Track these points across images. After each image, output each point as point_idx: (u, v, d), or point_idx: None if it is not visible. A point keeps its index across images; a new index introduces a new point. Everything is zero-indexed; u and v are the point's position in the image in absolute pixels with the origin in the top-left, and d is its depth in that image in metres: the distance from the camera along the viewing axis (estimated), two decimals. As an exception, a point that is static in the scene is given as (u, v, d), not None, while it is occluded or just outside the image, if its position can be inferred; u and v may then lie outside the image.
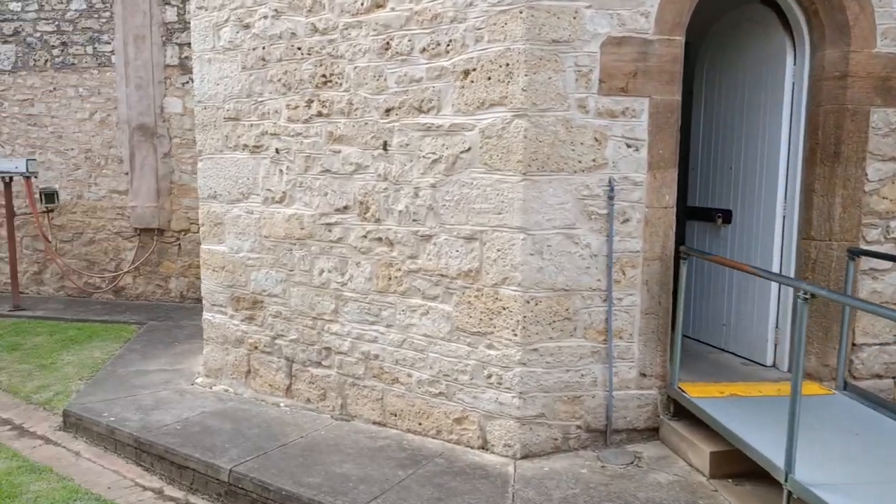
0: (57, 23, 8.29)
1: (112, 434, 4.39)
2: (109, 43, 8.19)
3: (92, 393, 5.08)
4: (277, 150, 4.64)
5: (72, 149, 8.47)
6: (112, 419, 4.51)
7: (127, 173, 8.35)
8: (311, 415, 4.58)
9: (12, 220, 7.89)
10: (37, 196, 8.11)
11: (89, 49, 8.25)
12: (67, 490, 3.75)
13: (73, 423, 4.69)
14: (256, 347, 4.96)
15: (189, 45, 7.91)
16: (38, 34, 8.36)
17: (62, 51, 8.32)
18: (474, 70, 3.66)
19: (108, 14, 8.14)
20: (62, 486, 3.79)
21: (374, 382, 4.32)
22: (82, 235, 8.58)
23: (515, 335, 3.64)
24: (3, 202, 8.60)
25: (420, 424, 4.10)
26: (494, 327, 3.72)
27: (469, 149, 3.72)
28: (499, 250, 3.66)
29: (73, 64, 8.32)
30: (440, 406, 4.00)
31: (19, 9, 8.36)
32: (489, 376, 3.77)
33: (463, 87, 3.72)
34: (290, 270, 4.67)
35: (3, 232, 8.74)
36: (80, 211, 8.54)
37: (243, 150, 4.85)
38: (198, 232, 8.33)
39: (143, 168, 8.26)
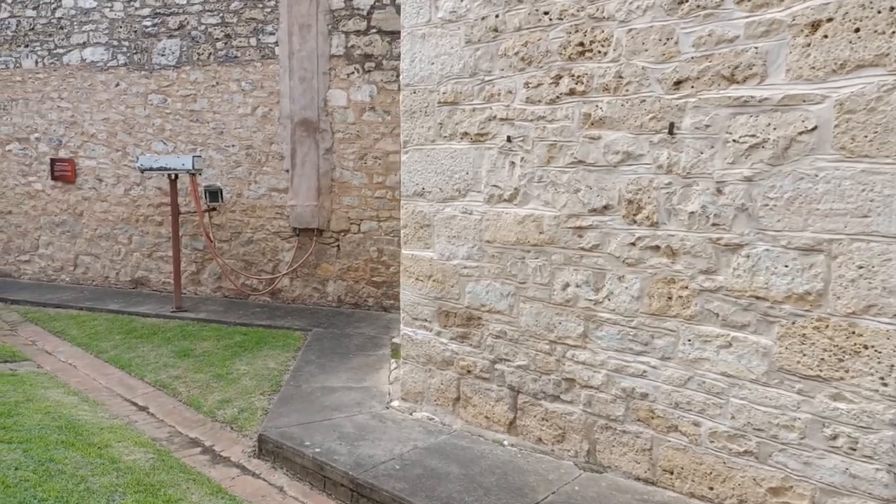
0: (221, 14, 8.03)
1: (321, 470, 3.77)
2: (273, 34, 7.82)
3: (283, 414, 4.53)
4: (509, 139, 3.86)
5: (232, 145, 8.19)
6: (317, 450, 3.89)
7: (287, 171, 7.96)
8: (548, 460, 3.76)
9: (177, 219, 7.68)
10: (200, 193, 7.87)
11: (252, 41, 7.93)
12: (289, 545, 3.13)
13: (271, 451, 4.13)
14: (469, 371, 4.22)
15: (356, 33, 7.40)
16: (202, 27, 8.14)
17: (225, 43, 8.06)
18: (829, 20, 2.69)
19: (272, 3, 7.78)
20: (282, 539, 3.18)
21: (638, 428, 3.44)
22: (240, 235, 8.30)
23: (885, 385, 2.63)
24: (168, 200, 8.48)
25: (712, 489, 3.18)
26: (846, 372, 2.73)
27: (814, 128, 2.76)
28: (861, 267, 2.67)
29: (235, 57, 8.03)
30: (746, 468, 3.05)
31: (185, 1, 8.17)
32: (834, 437, 2.78)
33: (808, 44, 2.75)
34: (521, 283, 3.88)
35: (163, 230, 8.64)
36: (239, 210, 8.26)
37: (462, 139, 4.12)
38: (357, 233, 7.84)
39: (304, 165, 7.83)
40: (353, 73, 7.55)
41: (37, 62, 9.07)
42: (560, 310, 3.70)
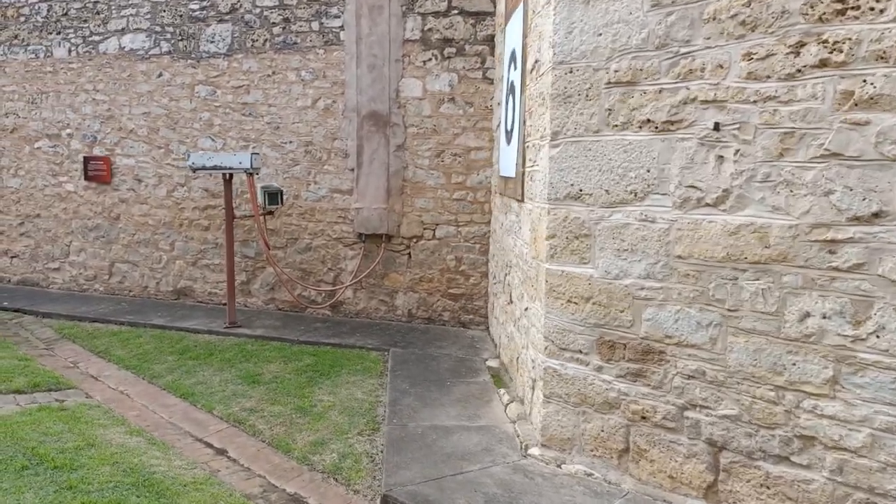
0: (279, -4, 7.22)
1: (482, 552, 2.94)
2: (338, 17, 7.01)
3: (402, 465, 3.70)
4: (717, 126, 3.03)
5: (290, 142, 7.38)
6: (470, 524, 3.07)
7: (352, 169, 7.14)
8: (775, 539, 2.92)
9: (231, 224, 6.86)
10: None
11: (314, 25, 7.11)
12: None
13: (402, 519, 3.30)
14: (644, 418, 3.38)
15: (434, 14, 6.57)
16: (257, 10, 7.33)
17: (283, 28, 7.24)
18: None
19: (338, -17, 6.97)
20: None
21: (923, 507, 2.60)
22: (297, 241, 7.48)
23: None
24: (215, 202, 7.68)
25: None
26: None
27: None
28: None
29: (295, 43, 7.22)
30: None
31: (237, -17, 7.37)
32: None
33: None
34: (731, 310, 3.04)
35: (209, 236, 7.84)
36: (295, 213, 7.44)
37: (641, 127, 3.28)
38: (431, 239, 7.01)
39: (372, 163, 7.01)
40: (430, 59, 6.73)
41: (70, 51, 8.28)
42: (795, 347, 2.87)
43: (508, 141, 5.11)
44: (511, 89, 5.05)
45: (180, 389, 5.23)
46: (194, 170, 6.73)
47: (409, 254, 7.07)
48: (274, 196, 6.90)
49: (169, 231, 8.07)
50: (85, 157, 8.38)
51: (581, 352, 3.63)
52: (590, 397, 3.61)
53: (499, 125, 6.07)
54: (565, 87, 3.56)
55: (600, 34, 3.39)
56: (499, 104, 6.09)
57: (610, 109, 3.39)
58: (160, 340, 6.58)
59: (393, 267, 7.14)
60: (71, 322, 7.31)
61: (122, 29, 7.96)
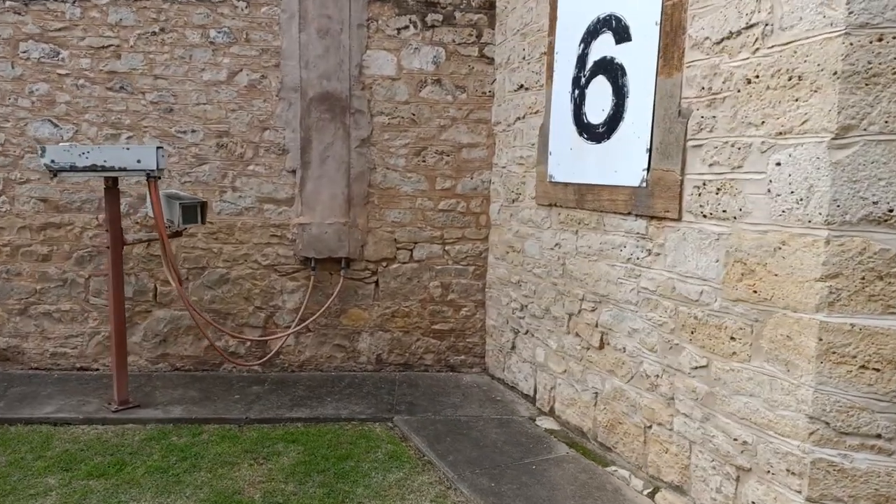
0: (173, -82, 4.96)
1: None
2: (271, -43, 5.01)
3: None
4: None
5: (192, 131, 5.16)
6: None
7: (293, 171, 5.21)
8: None
9: (119, 252, 4.51)
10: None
11: (232, -34, 5.02)
12: None
13: None
14: None
15: (417, -34, 5.00)
16: (134, -64, 4.97)
17: (180, -33, 5.01)
18: None
19: None
20: None
21: None
22: (205, 272, 5.30)
23: None
24: (58, 220, 5.17)
25: None
26: None
27: None
28: None
29: (199, -11, 5.03)
30: None
31: None
32: None
33: None
34: None
35: (51, 270, 5.28)
36: (203, 232, 5.25)
37: None
38: (407, 262, 5.40)
39: (325, 163, 5.18)
40: (406, 27, 5.11)
41: None
42: None
43: (598, 138, 3.86)
44: (603, 69, 3.80)
45: (120, 550, 3.07)
46: (55, 172, 4.26)
47: (377, 282, 5.37)
48: (191, 210, 4.68)
49: (-25, 264, 5.23)
50: None
51: (881, 437, 2.58)
52: (894, 500, 2.58)
53: (525, 115, 4.75)
54: (869, 62, 2.45)
55: (947, -16, 2.35)
56: (522, 89, 4.76)
57: (958, 93, 2.38)
58: (11, 447, 4.07)
59: (354, 300, 5.38)
60: None
61: None
